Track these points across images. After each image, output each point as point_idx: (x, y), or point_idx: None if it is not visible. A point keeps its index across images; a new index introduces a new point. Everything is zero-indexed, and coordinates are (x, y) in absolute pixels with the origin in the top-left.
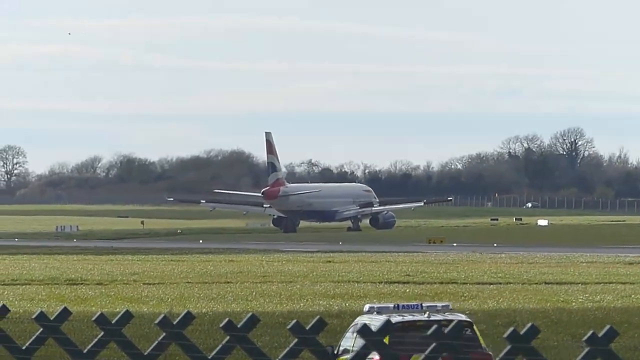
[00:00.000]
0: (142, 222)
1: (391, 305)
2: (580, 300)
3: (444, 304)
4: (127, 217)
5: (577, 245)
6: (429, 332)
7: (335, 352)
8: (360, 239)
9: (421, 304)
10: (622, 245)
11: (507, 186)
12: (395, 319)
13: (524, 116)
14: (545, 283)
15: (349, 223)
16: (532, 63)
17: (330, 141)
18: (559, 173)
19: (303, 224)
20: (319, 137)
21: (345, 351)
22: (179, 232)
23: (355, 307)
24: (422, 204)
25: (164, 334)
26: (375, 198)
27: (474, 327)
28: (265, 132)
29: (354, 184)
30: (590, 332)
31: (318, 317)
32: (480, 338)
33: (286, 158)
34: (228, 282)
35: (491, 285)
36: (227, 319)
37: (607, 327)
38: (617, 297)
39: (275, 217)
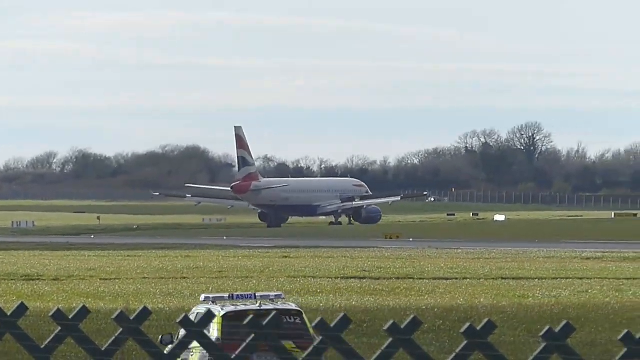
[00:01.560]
0: (99, 218)
1: (226, 295)
2: (537, 295)
3: (276, 293)
4: (83, 212)
5: (534, 240)
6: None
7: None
8: (319, 235)
9: (255, 294)
10: (579, 240)
11: (465, 181)
12: (228, 308)
13: (481, 111)
14: (502, 278)
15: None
16: (490, 58)
17: (286, 136)
18: (517, 168)
19: (293, 218)
20: (276, 132)
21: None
22: (135, 227)
23: (311, 302)
24: (399, 198)
25: (121, 329)
26: (367, 193)
27: (304, 316)
28: (235, 127)
29: (344, 178)
30: (547, 327)
31: (274, 312)
32: (309, 327)
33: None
34: (184, 278)
35: (448, 281)
36: (183, 315)
37: (564, 322)
38: (574, 292)
39: (260, 212)
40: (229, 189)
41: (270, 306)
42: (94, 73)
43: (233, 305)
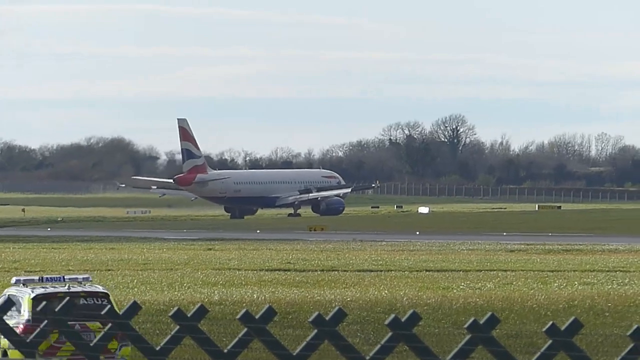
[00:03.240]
0: (23, 210)
1: (36, 277)
2: (461, 287)
3: (84, 276)
4: (7, 204)
5: (458, 232)
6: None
7: None
8: (246, 227)
9: (64, 277)
10: (503, 232)
11: (389, 173)
12: (38, 290)
13: (405, 103)
14: (427, 270)
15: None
16: (414, 49)
17: (211, 128)
18: (441, 160)
19: (262, 210)
20: (201, 124)
21: None
22: (59, 220)
23: (236, 294)
24: (350, 190)
25: (46, 321)
26: (340, 184)
27: (110, 298)
28: (178, 119)
29: (314, 170)
30: (472, 319)
31: (200, 304)
32: (116, 308)
33: (167, 146)
34: (109, 270)
35: (372, 273)
36: (108, 307)
37: (489, 314)
38: (499, 285)
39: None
40: (172, 181)
41: (79, 288)
42: (17, 64)
43: (43, 287)
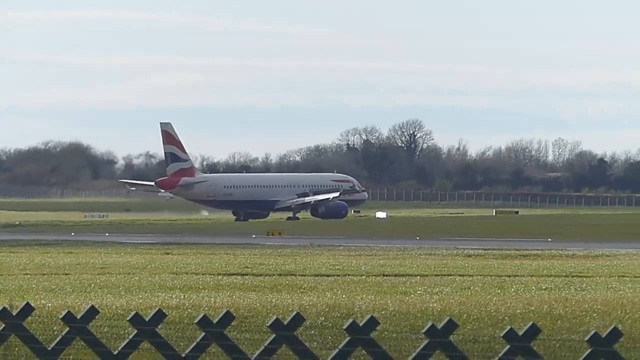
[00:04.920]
0: None
1: None
2: (419, 292)
3: None
4: None
5: (415, 237)
6: None
7: None
8: (204, 231)
9: None
10: (460, 237)
11: None
12: None
13: (363, 109)
14: (384, 275)
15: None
16: (370, 55)
17: None
18: (398, 165)
19: (272, 215)
20: (158, 130)
21: None
22: (17, 224)
23: (194, 298)
24: (339, 194)
25: (4, 325)
26: (352, 188)
27: None
28: (161, 123)
29: (323, 174)
30: (430, 324)
31: (157, 308)
32: None
33: (124, 150)
34: (67, 274)
35: (330, 277)
36: (66, 311)
37: (447, 319)
38: (456, 289)
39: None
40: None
41: None
42: None
43: None
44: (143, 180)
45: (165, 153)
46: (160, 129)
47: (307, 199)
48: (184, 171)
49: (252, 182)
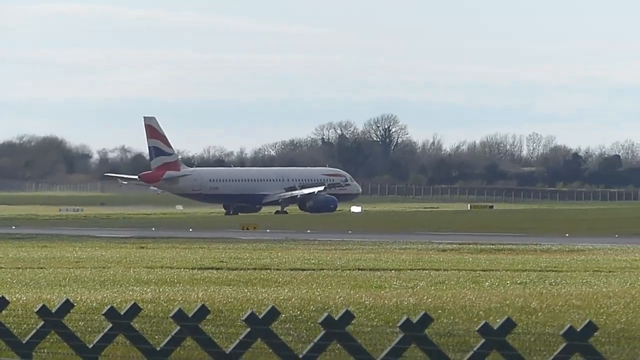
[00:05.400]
0: None
1: None
2: (394, 286)
3: None
4: None
5: (390, 231)
6: None
7: None
8: (179, 226)
9: None
10: (435, 232)
11: None
12: None
13: (338, 103)
14: (359, 269)
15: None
16: (345, 50)
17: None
18: (373, 160)
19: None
20: (135, 123)
21: None
22: None
23: (169, 292)
24: (323, 188)
25: None
26: (345, 182)
27: None
28: (145, 117)
29: (315, 168)
30: (405, 317)
31: (132, 302)
32: None
33: (99, 144)
34: (41, 268)
35: (305, 272)
36: (41, 305)
37: (422, 313)
38: (431, 283)
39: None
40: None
41: None
42: None
43: None
44: (120, 174)
45: (149, 147)
46: (143, 124)
47: (293, 193)
48: (169, 165)
49: (239, 176)
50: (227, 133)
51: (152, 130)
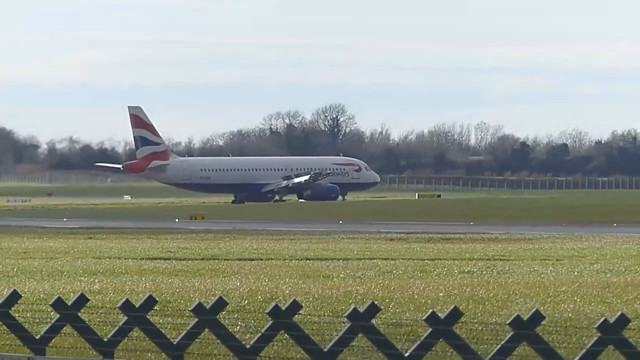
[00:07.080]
0: None
1: None
2: (342, 276)
3: None
4: None
5: (338, 221)
6: None
7: None
8: (129, 216)
9: None
10: (383, 221)
11: None
12: None
13: (286, 91)
14: (307, 259)
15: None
16: (294, 35)
17: (94, 116)
18: (321, 149)
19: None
20: (83, 112)
21: None
22: None
23: (117, 283)
24: (308, 177)
25: None
26: (353, 171)
27: None
28: (129, 107)
29: (325, 157)
30: (352, 307)
31: (80, 293)
32: None
33: (48, 135)
34: None
35: (253, 262)
36: None
37: (369, 302)
38: (379, 273)
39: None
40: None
41: None
42: None
43: None
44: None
45: (134, 137)
46: (128, 113)
47: (282, 184)
48: (157, 155)
49: (234, 166)
50: (175, 122)
51: (138, 120)
